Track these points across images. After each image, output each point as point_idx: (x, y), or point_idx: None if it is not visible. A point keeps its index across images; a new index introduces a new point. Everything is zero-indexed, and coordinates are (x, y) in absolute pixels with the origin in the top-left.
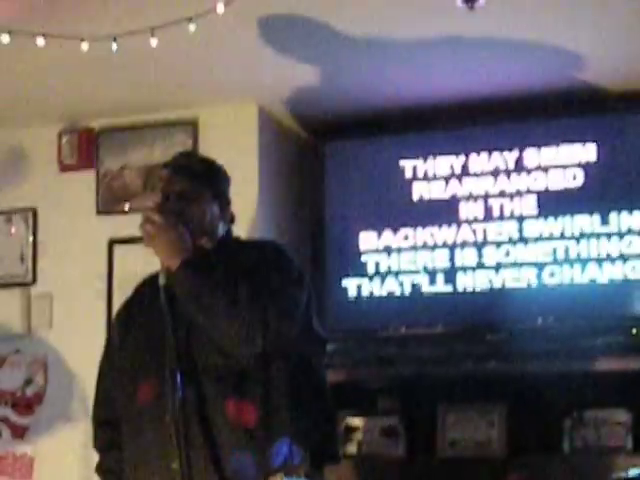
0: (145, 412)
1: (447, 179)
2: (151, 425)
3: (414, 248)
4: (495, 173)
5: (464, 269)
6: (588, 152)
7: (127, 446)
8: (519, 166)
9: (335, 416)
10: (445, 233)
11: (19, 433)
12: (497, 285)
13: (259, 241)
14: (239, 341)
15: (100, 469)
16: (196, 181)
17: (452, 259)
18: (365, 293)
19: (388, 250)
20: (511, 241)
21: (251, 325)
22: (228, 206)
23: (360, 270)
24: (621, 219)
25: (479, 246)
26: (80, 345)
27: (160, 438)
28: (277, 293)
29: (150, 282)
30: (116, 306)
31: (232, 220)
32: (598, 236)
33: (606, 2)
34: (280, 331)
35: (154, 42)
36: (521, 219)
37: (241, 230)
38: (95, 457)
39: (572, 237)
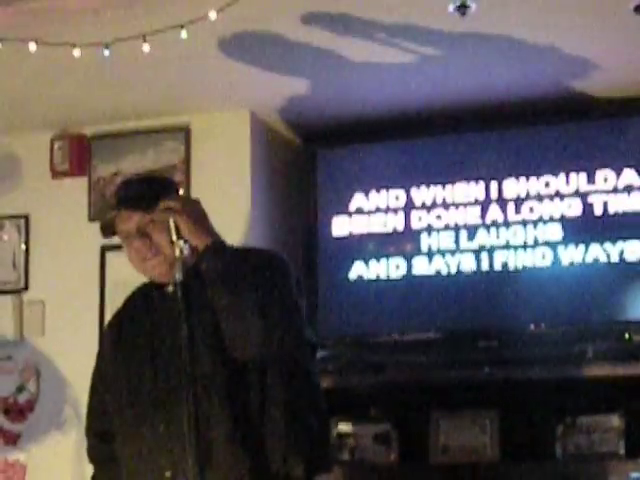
0: (141, 423)
1: (440, 185)
2: (147, 436)
3: (406, 255)
4: (489, 180)
5: (457, 275)
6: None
7: (121, 456)
8: (514, 173)
9: (329, 425)
10: (438, 239)
11: (11, 440)
12: (490, 291)
13: (259, 249)
14: (257, 335)
15: None
16: (149, 208)
17: (447, 265)
18: (357, 299)
19: (380, 256)
20: (505, 247)
21: (272, 324)
22: None
23: (352, 276)
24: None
25: (473, 252)
26: (72, 352)
27: (155, 448)
28: (284, 301)
29: (139, 293)
30: (108, 313)
31: None
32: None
33: (603, 8)
34: (285, 338)
35: (146, 48)
36: (514, 225)
37: (234, 237)
38: (88, 465)
39: (564, 242)
